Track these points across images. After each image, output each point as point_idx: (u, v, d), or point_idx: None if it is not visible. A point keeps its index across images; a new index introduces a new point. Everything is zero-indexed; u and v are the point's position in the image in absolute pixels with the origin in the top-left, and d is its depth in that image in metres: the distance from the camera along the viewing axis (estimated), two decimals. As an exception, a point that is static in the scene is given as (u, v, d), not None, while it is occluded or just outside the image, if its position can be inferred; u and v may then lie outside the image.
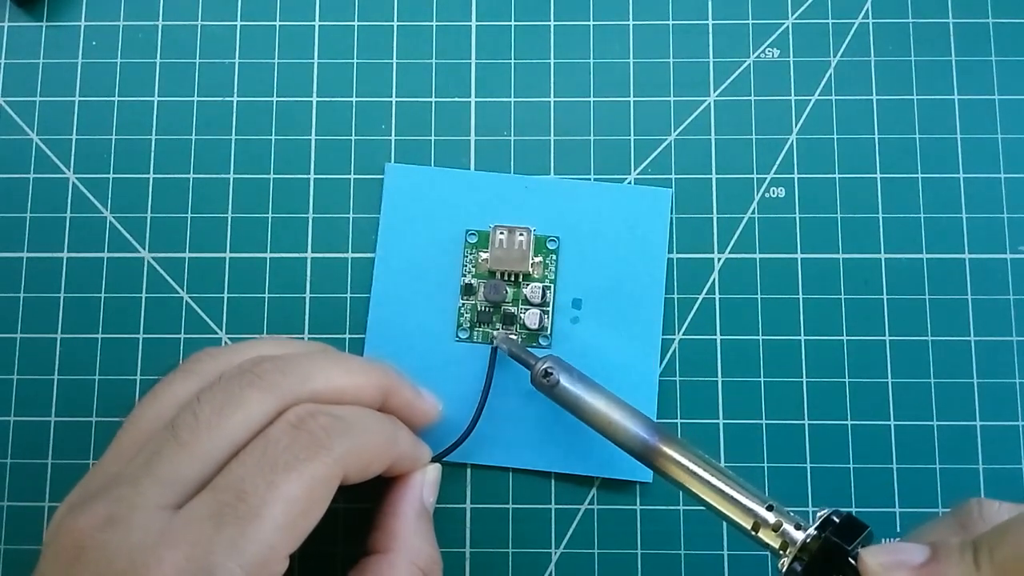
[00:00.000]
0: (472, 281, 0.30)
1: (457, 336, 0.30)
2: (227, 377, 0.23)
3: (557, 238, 0.30)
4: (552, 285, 0.30)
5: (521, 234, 0.30)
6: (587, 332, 0.30)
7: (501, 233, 0.30)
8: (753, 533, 0.23)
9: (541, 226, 0.30)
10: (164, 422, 0.22)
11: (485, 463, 0.30)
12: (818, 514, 0.22)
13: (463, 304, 0.30)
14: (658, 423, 0.26)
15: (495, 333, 0.25)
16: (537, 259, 0.30)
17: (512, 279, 0.30)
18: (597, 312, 0.30)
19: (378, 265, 0.31)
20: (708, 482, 0.24)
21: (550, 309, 0.30)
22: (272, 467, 0.21)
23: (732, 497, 0.23)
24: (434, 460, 0.27)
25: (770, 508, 0.23)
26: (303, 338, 0.31)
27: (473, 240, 0.30)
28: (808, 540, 0.22)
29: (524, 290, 0.30)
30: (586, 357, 0.30)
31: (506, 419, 0.29)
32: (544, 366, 0.27)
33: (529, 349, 0.30)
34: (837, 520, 0.22)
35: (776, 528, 0.22)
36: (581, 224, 0.31)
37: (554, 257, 0.30)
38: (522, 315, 0.30)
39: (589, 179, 0.31)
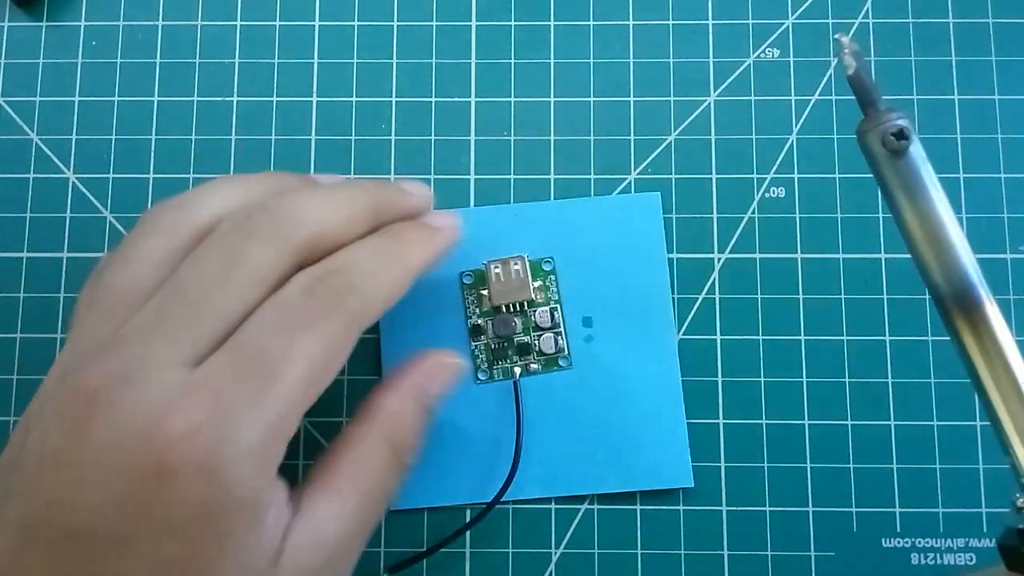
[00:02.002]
0: (479, 322, 0.30)
1: (477, 378, 0.30)
2: (222, 233, 0.22)
3: (551, 259, 0.30)
4: (559, 306, 0.30)
5: (516, 263, 0.29)
6: (602, 348, 0.30)
7: (496, 267, 0.29)
8: None
9: (538, 251, 0.30)
10: (146, 282, 0.21)
11: (526, 497, 0.29)
12: None
13: (475, 346, 0.30)
14: None
15: (842, 39, 0.21)
16: (536, 283, 0.30)
17: (518, 309, 0.30)
18: (609, 327, 0.30)
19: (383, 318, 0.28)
20: None
21: (562, 330, 0.30)
22: (290, 326, 0.21)
23: None
24: (489, 506, 0.28)
25: None
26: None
27: (469, 281, 0.30)
28: None
29: (533, 317, 0.30)
30: (605, 373, 0.29)
31: (537, 451, 0.29)
32: (899, 122, 0.20)
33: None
34: None
35: None
36: (577, 243, 0.30)
37: (553, 278, 0.30)
38: (537, 342, 0.30)
39: (586, 195, 0.31)
